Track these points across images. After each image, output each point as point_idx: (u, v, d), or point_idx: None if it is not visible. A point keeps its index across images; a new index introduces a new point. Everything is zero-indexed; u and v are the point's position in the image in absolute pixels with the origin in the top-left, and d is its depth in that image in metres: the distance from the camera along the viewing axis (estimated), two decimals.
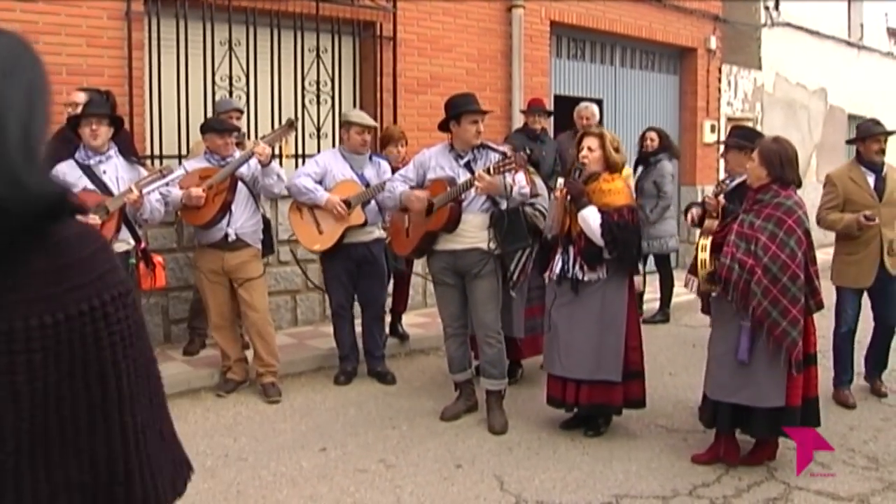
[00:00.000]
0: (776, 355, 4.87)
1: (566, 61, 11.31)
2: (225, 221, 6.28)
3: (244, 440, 5.64)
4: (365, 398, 6.59)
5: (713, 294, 5.14)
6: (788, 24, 14.78)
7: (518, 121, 9.55)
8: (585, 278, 5.51)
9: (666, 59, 12.89)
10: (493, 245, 5.76)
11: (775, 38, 14.52)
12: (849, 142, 6.40)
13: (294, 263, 8.27)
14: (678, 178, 12.52)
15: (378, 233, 6.86)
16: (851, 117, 17.48)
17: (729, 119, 13.50)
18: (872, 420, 6.20)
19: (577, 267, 5.53)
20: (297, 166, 8.01)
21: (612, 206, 5.39)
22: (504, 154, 5.65)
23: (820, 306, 5.15)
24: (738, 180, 5.82)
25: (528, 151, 6.88)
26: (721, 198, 5.80)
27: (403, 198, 5.87)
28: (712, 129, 13.01)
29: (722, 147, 6.56)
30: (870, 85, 17.71)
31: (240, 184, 6.32)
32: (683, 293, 11.05)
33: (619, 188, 5.52)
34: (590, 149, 5.56)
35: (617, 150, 5.57)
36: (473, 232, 5.77)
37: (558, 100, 10.90)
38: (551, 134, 9.57)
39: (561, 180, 5.63)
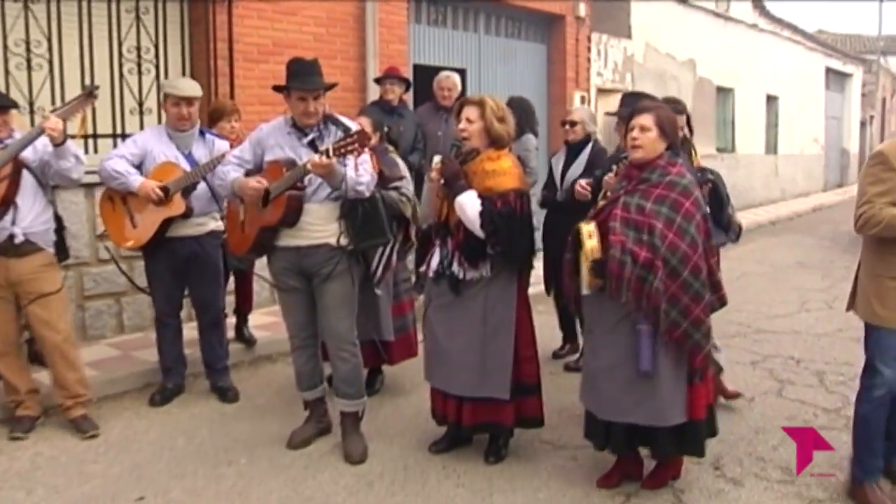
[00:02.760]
0: (679, 363, 4.09)
1: (426, 27, 10.37)
2: (9, 219, 5.00)
3: (41, 492, 4.48)
4: (198, 423, 5.50)
5: (585, 292, 4.25)
6: None
7: (373, 93, 8.56)
8: (466, 276, 4.60)
9: (533, 26, 12.14)
10: (344, 240, 4.80)
11: (645, 7, 14.05)
12: None
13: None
14: (547, 152, 11.80)
15: (213, 225, 5.79)
16: (719, 89, 17.24)
17: (599, 90, 12.87)
18: (777, 419, 5.55)
19: (455, 263, 4.61)
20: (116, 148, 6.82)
21: (497, 190, 4.48)
22: (346, 131, 4.65)
23: (722, 302, 4.37)
24: None
25: (385, 128, 6.04)
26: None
27: (236, 186, 4.82)
28: (582, 100, 12.33)
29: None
30: (736, 57, 17.50)
31: (25, 172, 5.07)
32: None
33: (506, 168, 4.60)
34: (468, 120, 4.63)
35: (501, 120, 4.66)
36: (320, 225, 4.79)
37: (418, 69, 9.99)
38: (411, 107, 8.65)
39: (437, 158, 4.68)
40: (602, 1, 12.96)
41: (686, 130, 5.57)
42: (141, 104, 7.41)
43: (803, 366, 6.86)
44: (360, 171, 4.69)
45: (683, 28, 15.35)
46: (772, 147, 20.66)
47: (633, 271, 3.98)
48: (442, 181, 4.57)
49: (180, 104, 5.58)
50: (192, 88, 5.69)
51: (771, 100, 20.17)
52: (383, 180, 5.26)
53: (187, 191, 5.53)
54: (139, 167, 5.53)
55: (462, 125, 4.64)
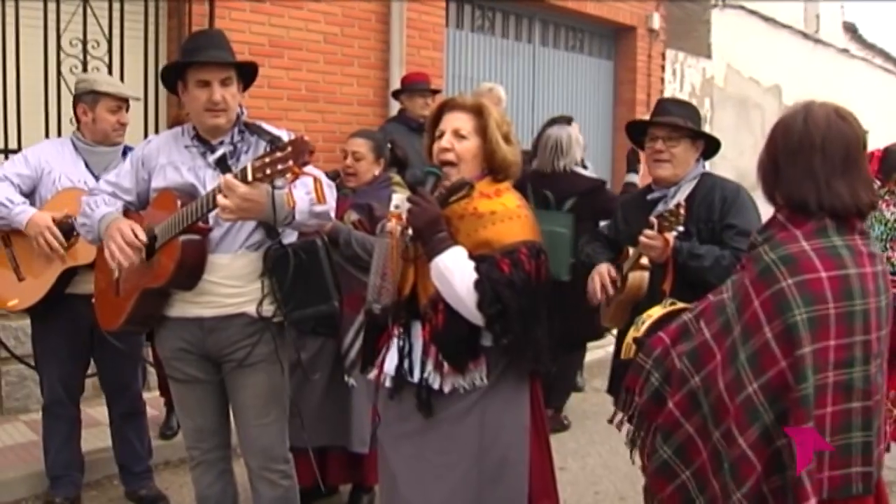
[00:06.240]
0: None
1: (468, 34, 8.72)
2: None
3: None
4: None
5: None
6: (741, 8, 12.57)
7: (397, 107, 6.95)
8: (446, 387, 2.81)
9: (598, 39, 10.43)
10: (268, 308, 3.12)
11: (726, 23, 12.30)
12: None
13: None
14: (612, 186, 10.05)
15: None
16: None
17: None
18: None
19: (430, 365, 2.82)
20: None
21: (499, 244, 2.74)
22: (273, 141, 2.95)
23: None
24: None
25: (389, 146, 4.45)
26: (672, 236, 3.18)
27: (104, 230, 3.14)
28: None
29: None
30: (826, 84, 15.57)
31: None
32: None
33: (512, 209, 2.85)
34: (458, 134, 2.89)
35: (508, 138, 2.93)
36: (234, 286, 3.14)
37: (457, 83, 8.39)
38: None
39: (397, 197, 2.90)
40: (679, 13, 11.22)
41: None
42: None
43: None
44: (311, 198, 2.96)
45: (768, 49, 13.50)
46: None
47: (656, 401, 2.35)
48: (410, 233, 2.81)
49: (122, 108, 4.06)
50: (129, 87, 4.15)
51: None
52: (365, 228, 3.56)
53: None
54: (31, 194, 3.95)
55: (446, 142, 2.90)
